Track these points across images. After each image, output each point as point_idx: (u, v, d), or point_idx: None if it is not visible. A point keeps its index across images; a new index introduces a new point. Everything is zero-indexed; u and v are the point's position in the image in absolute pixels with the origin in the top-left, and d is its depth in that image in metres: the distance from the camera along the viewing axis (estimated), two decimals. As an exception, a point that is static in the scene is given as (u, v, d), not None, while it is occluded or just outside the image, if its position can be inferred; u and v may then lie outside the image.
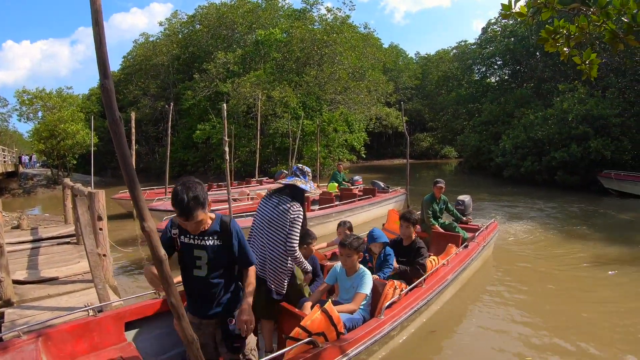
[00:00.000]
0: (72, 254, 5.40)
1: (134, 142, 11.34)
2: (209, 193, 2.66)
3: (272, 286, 3.04)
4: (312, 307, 3.02)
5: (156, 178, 26.81)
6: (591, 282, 5.49)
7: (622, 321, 4.26)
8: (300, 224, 3.03)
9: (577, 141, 14.84)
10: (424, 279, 3.92)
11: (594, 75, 2.71)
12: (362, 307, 3.26)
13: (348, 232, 4.56)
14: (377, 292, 3.50)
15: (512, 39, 25.38)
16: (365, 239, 3.98)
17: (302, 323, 2.57)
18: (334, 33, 24.89)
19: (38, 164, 37.51)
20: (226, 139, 6.47)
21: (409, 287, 3.66)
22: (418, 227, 4.64)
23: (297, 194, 3.14)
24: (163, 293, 2.97)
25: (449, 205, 6.34)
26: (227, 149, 6.42)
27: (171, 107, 11.01)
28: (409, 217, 4.34)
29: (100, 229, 4.55)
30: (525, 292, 5.16)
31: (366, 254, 4.10)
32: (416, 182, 19.94)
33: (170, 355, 3.17)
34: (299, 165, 3.42)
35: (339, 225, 4.77)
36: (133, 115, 11.82)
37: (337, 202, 9.24)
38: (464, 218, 6.49)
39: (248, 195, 10.66)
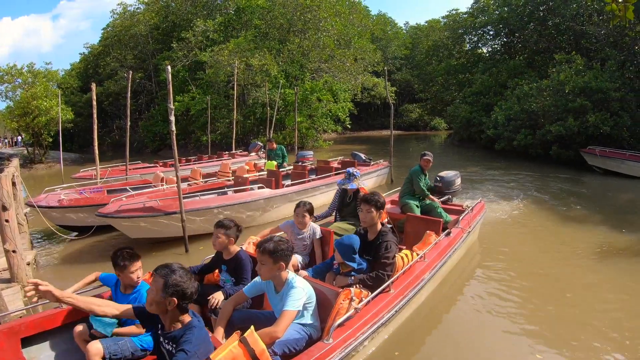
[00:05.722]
0: (-2, 246, 4.69)
1: (94, 115, 10.28)
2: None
3: None
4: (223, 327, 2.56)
5: (137, 152, 25.73)
6: (586, 272, 4.79)
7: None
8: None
9: (574, 115, 13.96)
10: (392, 282, 3.08)
11: (630, 17, 1.88)
12: (306, 322, 2.54)
13: (307, 216, 3.80)
14: (328, 304, 2.72)
15: (506, 8, 24.13)
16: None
17: (211, 356, 1.91)
18: (317, -3, 23.44)
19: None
20: (171, 106, 5.60)
21: (370, 295, 2.86)
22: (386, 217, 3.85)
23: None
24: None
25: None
26: (172, 118, 5.56)
27: (130, 75, 9.88)
28: (372, 199, 3.16)
29: (7, 221, 3.85)
30: (517, 287, 4.37)
31: (334, 262, 3.25)
32: (404, 154, 19.23)
33: None
34: (349, 170, 4.68)
35: (297, 206, 3.84)
36: (93, 87, 10.47)
37: (311, 177, 8.46)
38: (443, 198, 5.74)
39: (162, 179, 8.46)
